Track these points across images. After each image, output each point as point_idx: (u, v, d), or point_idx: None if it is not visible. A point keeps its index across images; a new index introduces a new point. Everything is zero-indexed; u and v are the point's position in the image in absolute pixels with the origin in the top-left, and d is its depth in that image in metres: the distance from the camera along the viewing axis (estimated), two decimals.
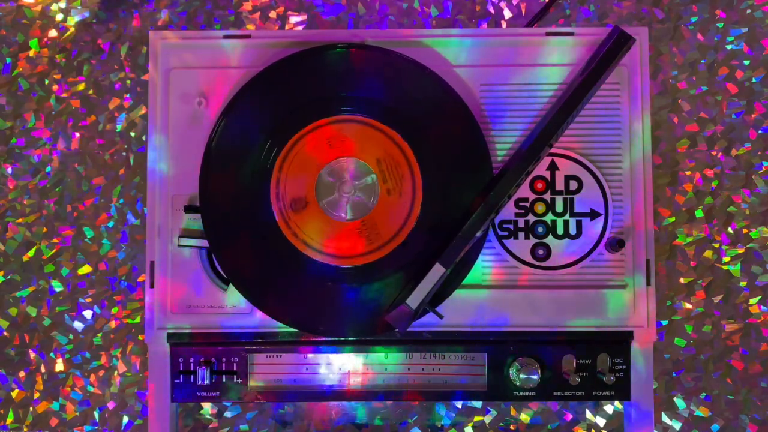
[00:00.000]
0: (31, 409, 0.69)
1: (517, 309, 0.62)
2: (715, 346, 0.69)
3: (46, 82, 0.72)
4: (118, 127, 0.71)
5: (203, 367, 0.62)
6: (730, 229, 0.70)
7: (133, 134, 0.71)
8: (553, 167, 0.63)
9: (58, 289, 0.70)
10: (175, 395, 0.63)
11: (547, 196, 0.63)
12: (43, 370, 0.69)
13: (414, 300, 0.57)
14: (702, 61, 0.71)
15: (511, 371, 0.62)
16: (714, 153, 0.70)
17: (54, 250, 0.70)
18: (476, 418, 0.69)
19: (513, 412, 0.69)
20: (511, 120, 0.63)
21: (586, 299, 0.62)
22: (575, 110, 0.60)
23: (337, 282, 0.60)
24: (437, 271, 0.57)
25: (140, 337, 0.69)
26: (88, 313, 0.70)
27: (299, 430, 0.69)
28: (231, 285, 0.62)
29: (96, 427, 0.69)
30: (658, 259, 0.69)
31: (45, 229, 0.70)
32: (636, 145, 0.62)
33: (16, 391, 0.69)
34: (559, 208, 0.63)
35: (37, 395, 0.69)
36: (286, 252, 0.61)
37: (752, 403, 0.68)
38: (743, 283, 0.69)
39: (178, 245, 0.62)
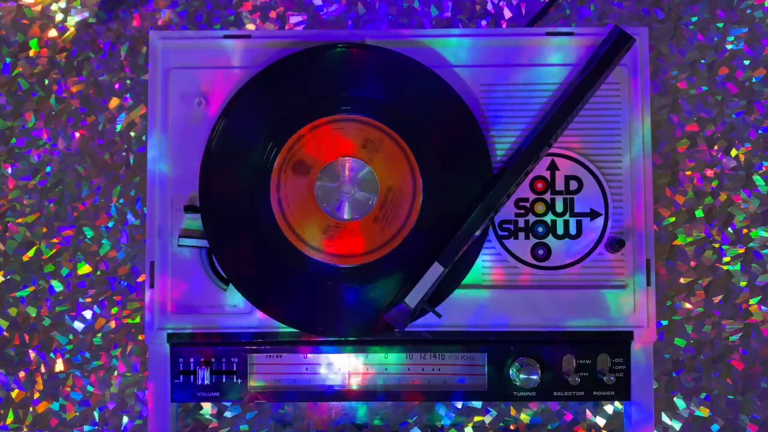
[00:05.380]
0: (31, 409, 0.69)
1: (517, 309, 0.62)
2: (715, 346, 0.69)
3: (46, 82, 0.72)
4: (118, 127, 0.71)
5: (203, 367, 0.62)
6: (730, 229, 0.70)
7: (133, 134, 0.71)
8: (553, 167, 0.63)
9: (58, 289, 0.70)
10: (175, 395, 0.63)
11: (547, 196, 0.63)
12: (43, 370, 0.69)
13: (413, 299, 0.57)
14: (702, 61, 0.71)
15: (511, 371, 0.62)
16: (714, 153, 0.70)
17: (54, 250, 0.70)
18: (476, 418, 0.69)
19: (513, 412, 0.69)
20: (511, 120, 0.63)
21: (586, 299, 0.62)
22: (575, 110, 0.60)
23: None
24: (436, 270, 0.57)
25: (140, 337, 0.69)
26: (88, 313, 0.70)
27: (299, 430, 0.69)
28: (231, 285, 0.62)
29: (96, 427, 0.69)
30: (658, 259, 0.69)
31: (45, 229, 0.70)
32: (636, 145, 0.62)
33: (16, 391, 0.69)
34: (559, 208, 0.63)
35: (37, 395, 0.69)
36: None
37: (752, 403, 0.68)
38: (743, 283, 0.69)
39: (178, 245, 0.62)
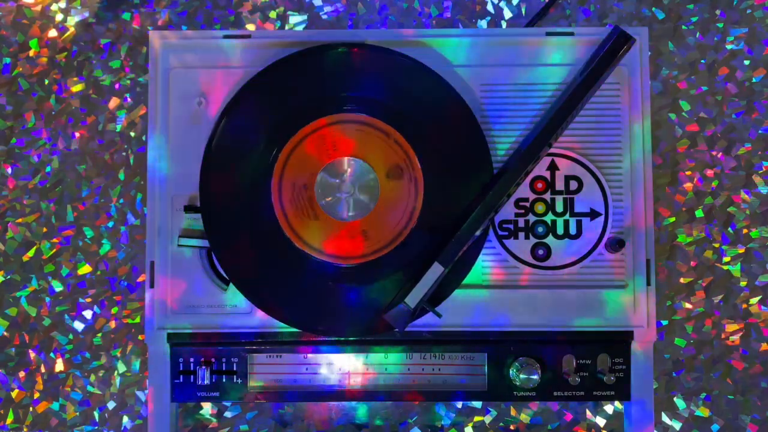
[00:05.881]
0: (31, 409, 0.69)
1: (517, 309, 0.62)
2: (715, 346, 0.69)
3: (46, 82, 0.72)
4: (118, 127, 0.71)
5: (203, 367, 0.62)
6: (730, 229, 0.70)
7: (133, 134, 0.71)
8: (553, 167, 0.63)
9: (58, 289, 0.70)
10: (175, 395, 0.63)
11: (547, 196, 0.63)
12: (43, 370, 0.69)
13: (413, 299, 0.57)
14: (702, 61, 0.71)
15: (511, 371, 0.62)
16: (714, 153, 0.70)
17: (54, 250, 0.70)
18: (476, 418, 0.69)
19: (513, 412, 0.69)
20: (511, 120, 0.63)
21: (586, 299, 0.62)
22: (575, 110, 0.60)
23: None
24: (436, 270, 0.57)
25: (140, 337, 0.69)
26: (88, 313, 0.70)
27: (299, 430, 0.69)
28: (231, 285, 0.62)
29: (96, 427, 0.69)
30: (658, 259, 0.69)
31: (45, 229, 0.70)
32: (636, 145, 0.62)
33: (16, 391, 0.69)
34: (559, 208, 0.63)
35: (37, 395, 0.69)
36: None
37: (752, 403, 0.68)
38: (743, 283, 0.69)
39: (178, 245, 0.62)
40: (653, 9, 0.72)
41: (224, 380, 0.63)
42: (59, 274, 0.70)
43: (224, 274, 0.61)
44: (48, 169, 0.71)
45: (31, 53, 0.72)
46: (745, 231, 0.70)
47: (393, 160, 0.61)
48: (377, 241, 0.61)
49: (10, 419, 0.69)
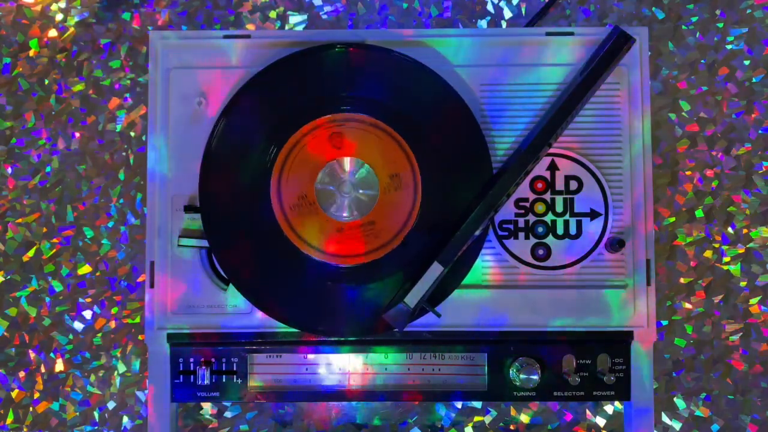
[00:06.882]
0: (31, 409, 0.69)
1: (517, 309, 0.62)
2: (715, 346, 0.69)
3: (46, 82, 0.72)
4: (118, 127, 0.71)
5: (203, 367, 0.62)
6: (730, 229, 0.70)
7: (133, 134, 0.71)
8: (553, 167, 0.63)
9: (58, 289, 0.70)
10: (175, 395, 0.63)
11: (547, 196, 0.63)
12: (43, 370, 0.69)
13: (412, 298, 0.57)
14: (702, 61, 0.71)
15: (511, 371, 0.62)
16: (714, 153, 0.70)
17: (54, 250, 0.70)
18: (476, 418, 0.69)
19: (513, 412, 0.69)
20: (511, 120, 0.63)
21: (586, 299, 0.62)
22: (575, 110, 0.60)
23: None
24: (436, 270, 0.57)
25: (140, 337, 0.69)
26: (88, 313, 0.70)
27: (299, 430, 0.69)
28: (231, 285, 0.62)
29: (96, 427, 0.69)
30: (658, 259, 0.69)
31: (45, 229, 0.70)
32: (636, 145, 0.62)
33: (16, 391, 0.69)
34: (559, 208, 0.63)
35: (37, 395, 0.69)
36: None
37: (752, 403, 0.68)
38: (743, 283, 0.69)
39: (178, 245, 0.62)
40: (653, 9, 0.72)
41: (224, 380, 0.63)
42: (59, 274, 0.70)
43: (224, 274, 0.61)
44: (48, 169, 0.71)
45: (31, 53, 0.72)
46: (745, 231, 0.70)
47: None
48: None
49: (10, 419, 0.69)
